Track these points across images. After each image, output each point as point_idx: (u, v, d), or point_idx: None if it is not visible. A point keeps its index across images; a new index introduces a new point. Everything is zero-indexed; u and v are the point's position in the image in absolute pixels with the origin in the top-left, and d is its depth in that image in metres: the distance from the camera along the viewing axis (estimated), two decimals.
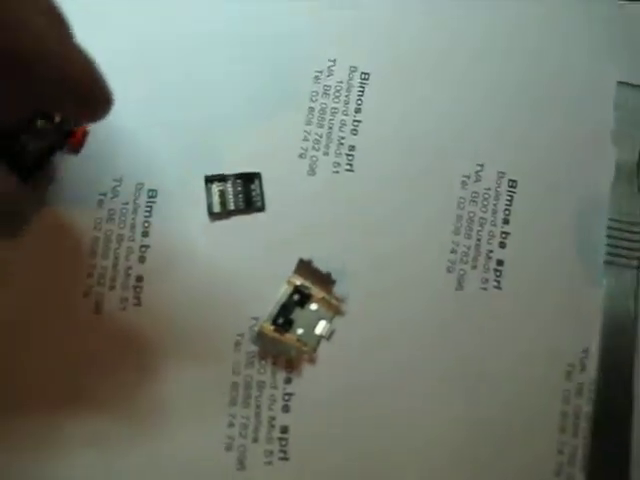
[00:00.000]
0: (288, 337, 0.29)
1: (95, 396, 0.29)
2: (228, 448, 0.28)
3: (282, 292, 0.29)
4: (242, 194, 0.30)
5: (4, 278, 0.29)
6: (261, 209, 0.30)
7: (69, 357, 0.29)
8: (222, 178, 0.30)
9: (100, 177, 0.31)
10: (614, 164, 0.31)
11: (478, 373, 0.29)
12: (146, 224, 0.30)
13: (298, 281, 0.29)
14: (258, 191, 0.30)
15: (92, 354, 0.29)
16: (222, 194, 0.30)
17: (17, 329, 0.29)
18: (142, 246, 0.30)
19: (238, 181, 0.30)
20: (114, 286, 0.29)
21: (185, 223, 0.30)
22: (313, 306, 0.29)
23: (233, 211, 0.30)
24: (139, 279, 0.29)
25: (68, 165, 0.31)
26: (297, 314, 0.29)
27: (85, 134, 0.31)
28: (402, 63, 0.32)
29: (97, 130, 0.31)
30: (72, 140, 0.31)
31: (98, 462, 0.28)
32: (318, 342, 0.29)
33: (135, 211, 0.30)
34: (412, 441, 0.28)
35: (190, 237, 0.30)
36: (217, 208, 0.30)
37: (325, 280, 0.29)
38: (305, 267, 0.29)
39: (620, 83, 0.31)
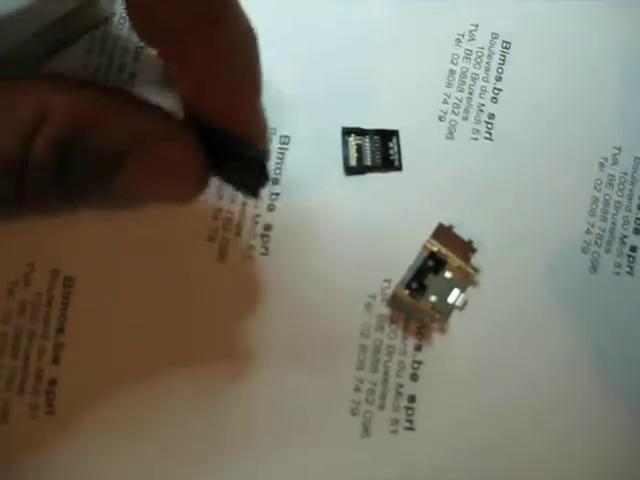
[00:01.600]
0: (422, 303, 0.27)
1: (210, 350, 0.27)
2: (353, 413, 0.27)
3: (417, 256, 0.28)
4: (380, 151, 0.29)
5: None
6: (398, 168, 0.29)
7: (187, 305, 0.27)
8: (360, 132, 0.29)
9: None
10: None
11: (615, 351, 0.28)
12: (277, 171, 0.28)
13: (435, 247, 0.28)
14: (396, 149, 0.29)
15: (213, 303, 0.27)
16: (359, 148, 0.29)
17: (134, 268, 0.27)
18: (272, 194, 0.28)
19: (376, 137, 0.29)
20: (240, 233, 0.28)
21: (318, 174, 0.29)
22: (448, 274, 0.28)
23: (369, 167, 0.29)
24: (267, 227, 0.28)
25: None
26: (431, 280, 0.28)
27: None
28: (545, 36, 0.31)
29: None
30: None
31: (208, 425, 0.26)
32: (451, 311, 0.27)
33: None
34: (546, 424, 0.27)
35: (323, 189, 0.28)
36: (354, 162, 0.29)
37: (465, 248, 0.28)
38: (444, 233, 0.28)
39: None
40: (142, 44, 0.29)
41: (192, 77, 0.19)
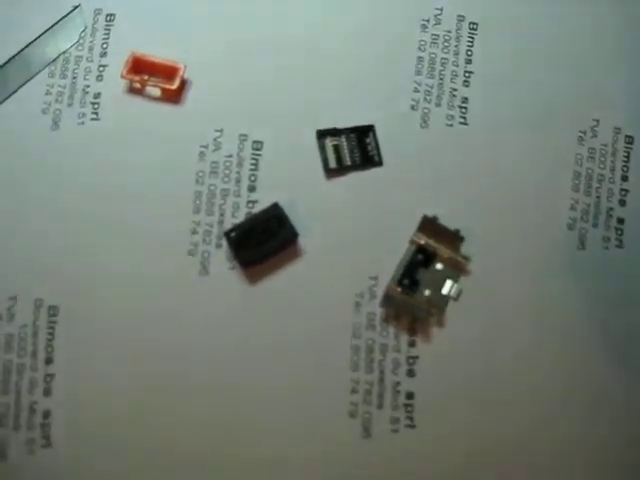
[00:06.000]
0: (417, 298, 0.27)
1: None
2: (352, 415, 0.26)
3: (406, 252, 0.27)
4: (358, 149, 0.28)
5: None
6: (379, 163, 0.28)
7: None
8: (335, 132, 0.28)
9: (201, 128, 0.28)
10: None
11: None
12: (252, 177, 0.28)
13: (422, 240, 0.27)
14: (374, 145, 0.28)
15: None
16: (337, 149, 0.28)
17: None
18: (249, 201, 0.28)
19: (352, 135, 0.28)
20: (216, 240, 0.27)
21: (296, 178, 0.28)
22: (438, 266, 0.27)
23: (350, 167, 0.28)
24: None
25: (168, 115, 0.28)
26: (422, 274, 0.27)
27: (184, 83, 0.29)
28: (511, 12, 0.30)
29: (198, 80, 0.29)
30: (171, 89, 0.28)
31: None
32: (446, 303, 0.27)
33: (240, 164, 0.28)
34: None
35: (302, 193, 0.28)
36: (333, 164, 0.28)
37: (452, 238, 0.27)
38: (430, 225, 0.27)
39: None
40: (104, 63, 0.29)
41: None
